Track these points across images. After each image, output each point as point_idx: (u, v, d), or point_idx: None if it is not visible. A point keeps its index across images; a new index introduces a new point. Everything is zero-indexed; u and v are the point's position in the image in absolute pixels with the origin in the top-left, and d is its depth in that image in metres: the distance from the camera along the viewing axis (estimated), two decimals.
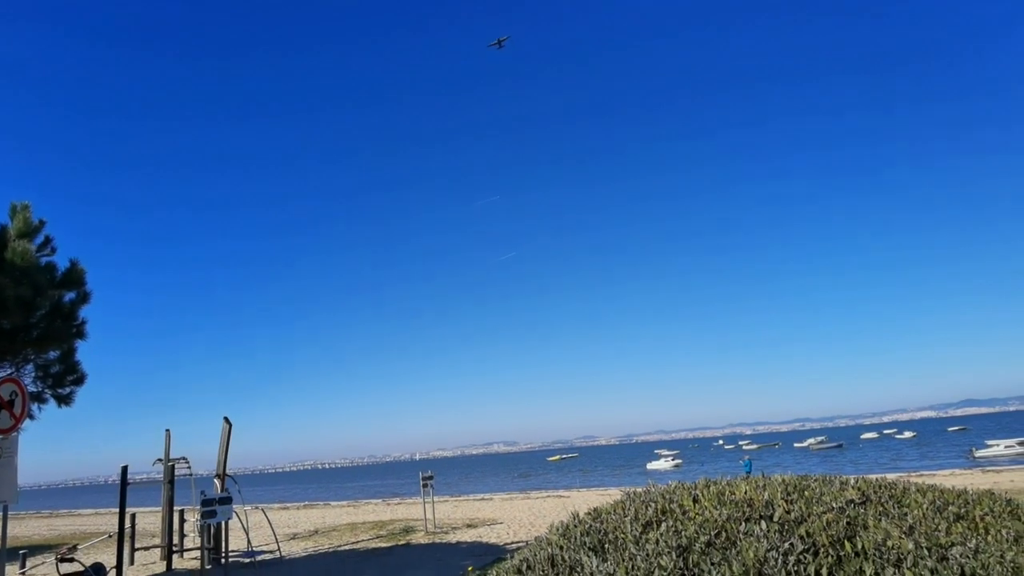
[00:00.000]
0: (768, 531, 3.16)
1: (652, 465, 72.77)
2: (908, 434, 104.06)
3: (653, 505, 3.68)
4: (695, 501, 3.67)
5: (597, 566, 3.02)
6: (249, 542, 18.84)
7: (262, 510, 23.28)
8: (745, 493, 3.73)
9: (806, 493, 3.83)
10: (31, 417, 14.48)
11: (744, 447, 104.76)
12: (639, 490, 4.21)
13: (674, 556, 2.92)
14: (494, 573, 3.74)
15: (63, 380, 14.63)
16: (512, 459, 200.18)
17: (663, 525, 3.30)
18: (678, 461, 75.10)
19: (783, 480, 4.18)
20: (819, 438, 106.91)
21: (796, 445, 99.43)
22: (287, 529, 25.79)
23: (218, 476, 18.41)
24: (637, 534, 3.30)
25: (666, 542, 3.07)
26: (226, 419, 18.69)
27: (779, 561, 2.85)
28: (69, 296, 14.48)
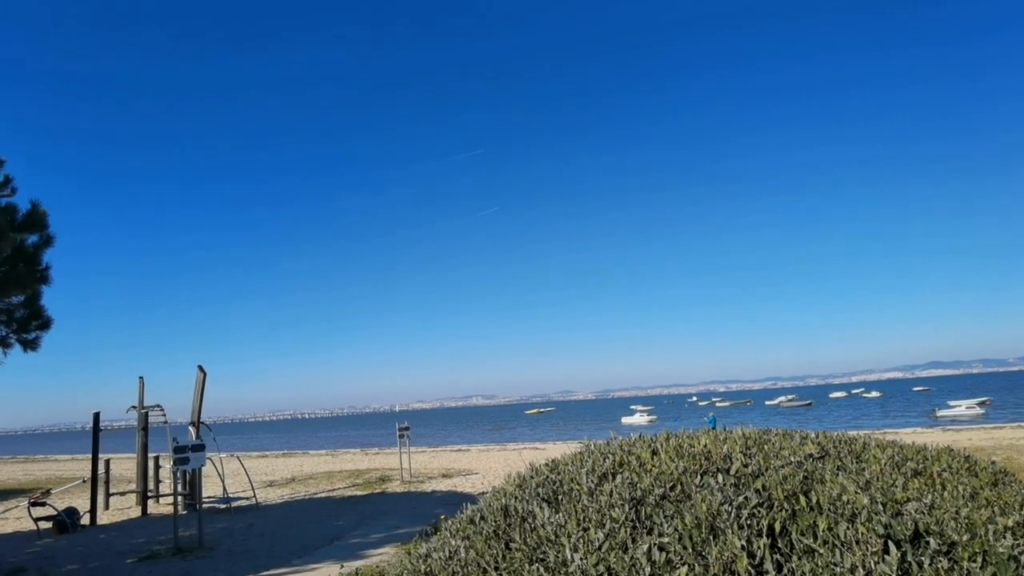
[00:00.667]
0: (724, 484, 3.15)
1: (627, 420, 74.16)
2: (874, 393, 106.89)
3: (611, 457, 3.66)
4: (654, 453, 3.66)
5: (549, 517, 3.00)
6: (225, 488, 18.96)
7: (237, 458, 23.38)
8: (704, 446, 3.73)
9: (765, 447, 3.84)
10: None
11: (717, 404, 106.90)
12: (599, 442, 4.19)
13: (627, 508, 2.90)
14: (448, 524, 3.72)
15: (28, 325, 14.37)
16: (490, 412, 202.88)
17: (618, 477, 3.28)
18: (652, 417, 76.65)
19: (743, 433, 4.18)
20: (789, 396, 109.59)
21: (767, 403, 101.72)
22: (264, 477, 26.00)
23: (193, 424, 18.42)
24: (592, 486, 3.29)
25: (620, 494, 3.05)
26: (200, 367, 18.61)
27: (732, 514, 2.84)
28: (32, 239, 14.09)
